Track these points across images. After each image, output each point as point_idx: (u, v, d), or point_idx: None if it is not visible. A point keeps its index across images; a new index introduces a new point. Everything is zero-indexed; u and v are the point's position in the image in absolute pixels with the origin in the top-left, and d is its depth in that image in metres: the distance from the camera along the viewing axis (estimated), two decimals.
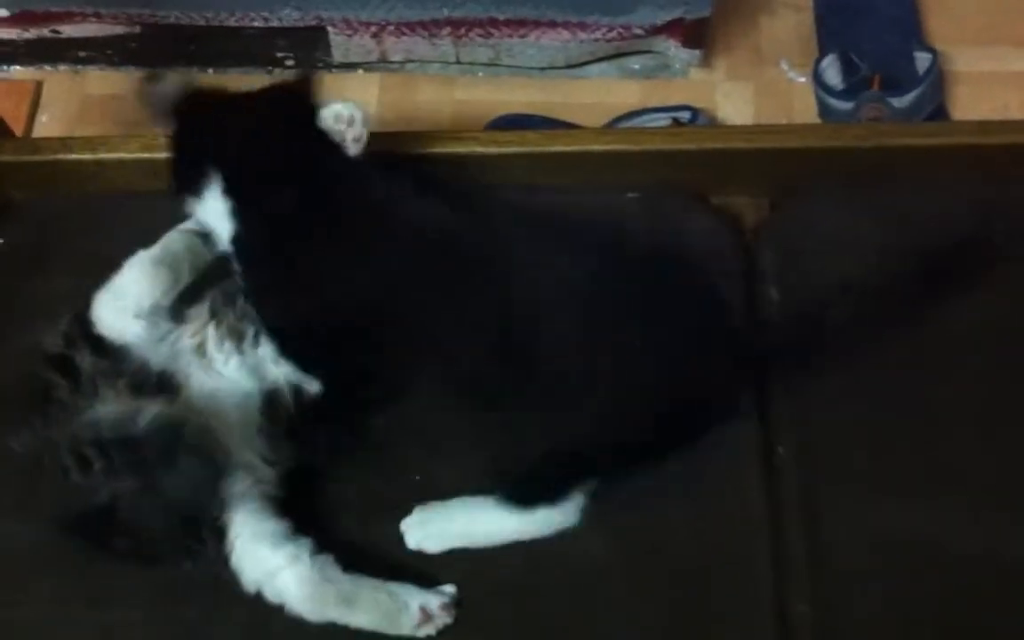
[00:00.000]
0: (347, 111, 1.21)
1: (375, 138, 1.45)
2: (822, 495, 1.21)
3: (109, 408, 1.10)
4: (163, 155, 1.36)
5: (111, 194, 1.42)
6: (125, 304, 1.16)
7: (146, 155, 1.39)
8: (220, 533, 1.09)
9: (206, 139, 1.17)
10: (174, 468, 1.06)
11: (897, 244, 1.32)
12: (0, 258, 1.39)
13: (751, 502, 1.21)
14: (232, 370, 1.16)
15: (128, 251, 1.22)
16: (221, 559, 1.09)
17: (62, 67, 1.88)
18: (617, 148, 1.41)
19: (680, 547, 1.19)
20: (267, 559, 1.09)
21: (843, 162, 1.39)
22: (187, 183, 1.17)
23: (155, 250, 1.19)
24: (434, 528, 1.17)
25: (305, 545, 1.11)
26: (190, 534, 1.09)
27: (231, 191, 1.14)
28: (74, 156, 1.40)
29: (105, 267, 1.29)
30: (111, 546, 1.11)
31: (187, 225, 1.21)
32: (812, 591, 1.17)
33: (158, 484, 1.06)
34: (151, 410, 1.07)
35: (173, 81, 1.20)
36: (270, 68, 1.86)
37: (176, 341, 1.16)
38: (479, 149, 1.40)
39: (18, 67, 1.88)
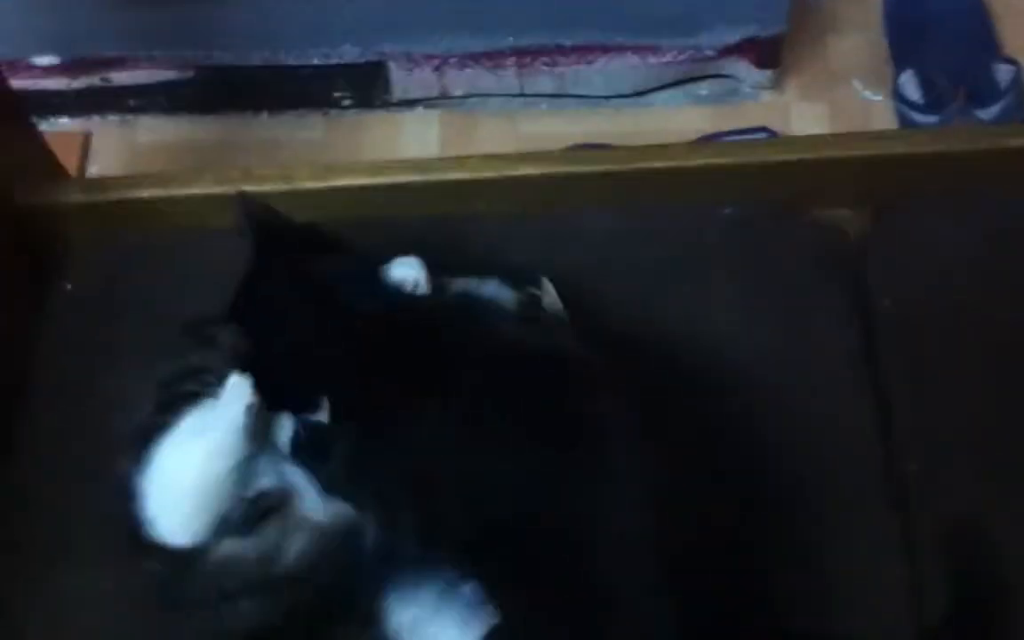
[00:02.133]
0: (412, 274, 1.07)
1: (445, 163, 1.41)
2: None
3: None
4: (237, 187, 1.32)
5: (183, 230, 1.34)
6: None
7: (219, 189, 1.32)
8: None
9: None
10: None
11: (1007, 250, 1.27)
12: (70, 304, 1.31)
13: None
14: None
15: (202, 293, 1.16)
16: None
17: (111, 117, 1.83)
18: (711, 162, 1.34)
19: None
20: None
21: (947, 167, 1.33)
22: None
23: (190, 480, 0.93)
24: None
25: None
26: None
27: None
28: (144, 194, 1.34)
29: (178, 311, 1.24)
30: None
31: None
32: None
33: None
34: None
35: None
36: (326, 110, 1.81)
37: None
38: (566, 169, 1.34)
39: (66, 119, 1.83)
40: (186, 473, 0.92)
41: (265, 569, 0.93)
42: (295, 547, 0.92)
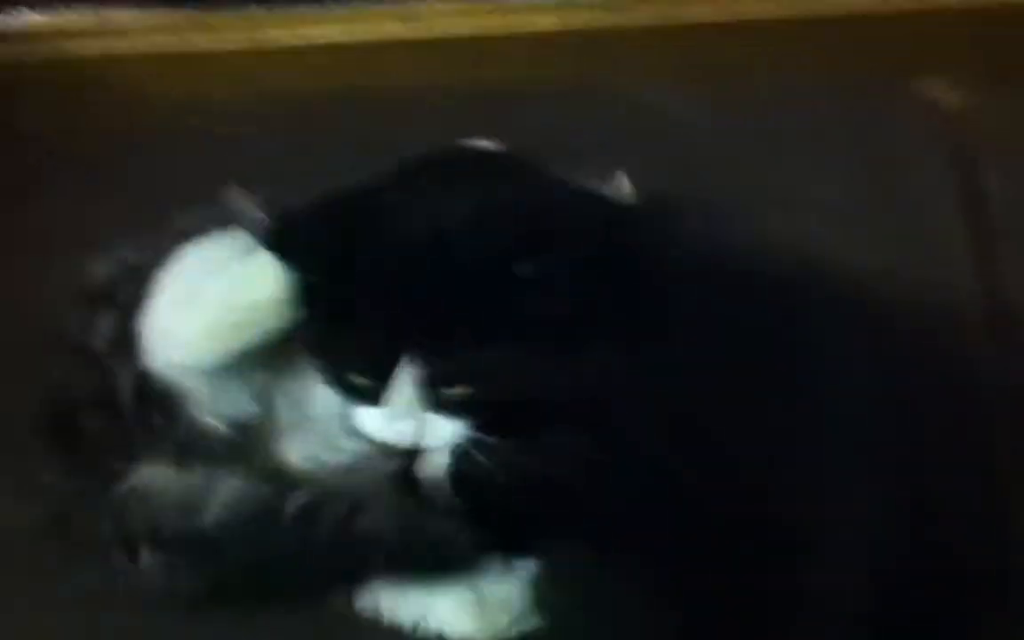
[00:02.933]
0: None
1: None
2: None
3: (161, 481, 0.82)
4: (195, 45, 1.17)
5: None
6: (179, 356, 0.80)
7: (166, 45, 1.14)
8: None
9: None
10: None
11: None
12: None
13: None
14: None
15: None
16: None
17: (81, 10, 1.60)
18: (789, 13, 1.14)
19: None
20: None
21: None
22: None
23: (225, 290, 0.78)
24: None
25: None
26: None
27: None
28: (75, 48, 1.12)
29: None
30: None
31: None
32: None
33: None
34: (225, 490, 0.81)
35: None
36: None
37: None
38: (599, 22, 1.14)
39: (28, 10, 1.60)
40: None
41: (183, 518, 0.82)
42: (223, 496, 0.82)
